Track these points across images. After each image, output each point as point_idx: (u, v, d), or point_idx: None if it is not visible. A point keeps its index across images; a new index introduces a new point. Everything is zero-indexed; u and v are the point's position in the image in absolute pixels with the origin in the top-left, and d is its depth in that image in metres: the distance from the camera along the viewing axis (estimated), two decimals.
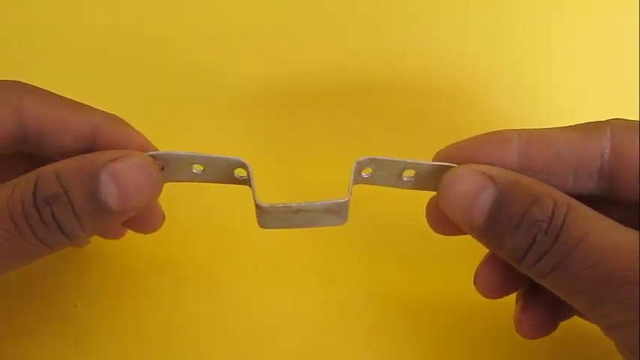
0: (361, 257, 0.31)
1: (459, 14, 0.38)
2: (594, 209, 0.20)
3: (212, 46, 0.37)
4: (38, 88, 0.23)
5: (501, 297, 0.24)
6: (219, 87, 0.36)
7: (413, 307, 0.29)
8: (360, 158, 0.23)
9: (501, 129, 0.22)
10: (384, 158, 0.23)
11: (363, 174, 0.23)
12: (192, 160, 0.23)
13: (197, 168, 0.23)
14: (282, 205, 0.22)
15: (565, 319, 0.24)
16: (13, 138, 0.22)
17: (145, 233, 0.26)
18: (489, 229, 0.20)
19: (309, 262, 0.31)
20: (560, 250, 0.19)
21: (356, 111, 0.34)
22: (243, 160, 0.23)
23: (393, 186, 0.23)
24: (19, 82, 0.23)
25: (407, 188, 0.23)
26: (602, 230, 0.19)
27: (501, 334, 0.27)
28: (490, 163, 0.21)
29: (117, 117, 0.23)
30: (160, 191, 0.22)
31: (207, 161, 0.23)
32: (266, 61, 0.36)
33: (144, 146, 0.23)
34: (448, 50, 0.37)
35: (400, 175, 0.23)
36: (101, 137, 0.23)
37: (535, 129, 0.22)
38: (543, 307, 0.23)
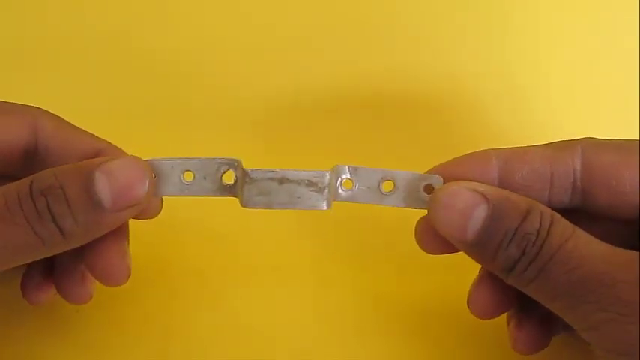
0: (355, 258, 0.32)
1: (456, 31, 0.38)
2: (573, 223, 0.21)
3: (214, 58, 0.37)
4: (54, 114, 0.25)
5: (494, 317, 0.24)
6: (223, 99, 0.36)
7: (405, 308, 0.30)
8: (339, 165, 0.24)
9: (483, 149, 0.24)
10: (363, 167, 0.24)
11: (342, 191, 0.24)
12: (181, 165, 0.23)
13: (187, 179, 0.24)
14: (267, 170, 0.22)
15: (557, 333, 0.25)
16: (25, 149, 0.24)
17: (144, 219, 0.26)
18: (481, 244, 0.21)
19: (305, 263, 0.32)
20: (543, 258, 0.20)
21: (356, 124, 0.35)
22: (233, 158, 0.24)
23: (375, 202, 0.24)
24: (41, 108, 0.25)
25: (389, 205, 0.24)
26: (579, 239, 0.20)
27: (492, 334, 0.27)
28: (473, 181, 0.22)
29: (118, 147, 0.25)
30: (151, 196, 0.23)
31: (195, 165, 0.23)
32: (267, 74, 0.37)
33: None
34: (445, 64, 0.37)
35: (379, 187, 0.24)
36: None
37: (513, 147, 0.23)
38: (536, 323, 0.24)
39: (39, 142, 0.24)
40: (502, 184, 0.23)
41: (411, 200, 0.24)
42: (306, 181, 0.23)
